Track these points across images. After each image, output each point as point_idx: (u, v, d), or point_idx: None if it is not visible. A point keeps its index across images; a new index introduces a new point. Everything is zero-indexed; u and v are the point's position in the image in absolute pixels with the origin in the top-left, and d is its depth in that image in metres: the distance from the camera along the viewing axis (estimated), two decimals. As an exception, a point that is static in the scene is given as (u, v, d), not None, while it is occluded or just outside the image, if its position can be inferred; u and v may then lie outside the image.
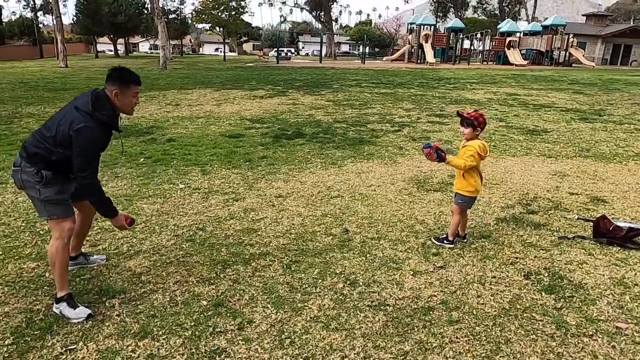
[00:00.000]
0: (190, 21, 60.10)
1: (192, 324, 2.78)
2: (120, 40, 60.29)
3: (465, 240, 3.97)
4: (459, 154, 3.86)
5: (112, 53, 58.07)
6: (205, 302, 3.00)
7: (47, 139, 2.75)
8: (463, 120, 3.69)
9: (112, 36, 54.34)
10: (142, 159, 6.55)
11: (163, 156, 6.63)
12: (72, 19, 53.75)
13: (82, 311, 2.83)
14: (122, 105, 2.88)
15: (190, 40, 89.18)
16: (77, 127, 2.68)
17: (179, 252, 3.71)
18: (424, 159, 4.38)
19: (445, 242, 3.90)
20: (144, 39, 79.66)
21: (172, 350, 2.54)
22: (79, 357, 2.48)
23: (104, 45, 70.69)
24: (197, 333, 2.69)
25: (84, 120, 2.70)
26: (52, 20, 39.26)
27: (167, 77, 20.99)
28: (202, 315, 2.87)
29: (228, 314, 2.88)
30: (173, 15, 59.90)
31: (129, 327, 2.73)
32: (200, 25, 69.32)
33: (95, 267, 3.44)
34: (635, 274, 3.44)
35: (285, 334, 2.70)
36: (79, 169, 2.72)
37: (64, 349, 2.54)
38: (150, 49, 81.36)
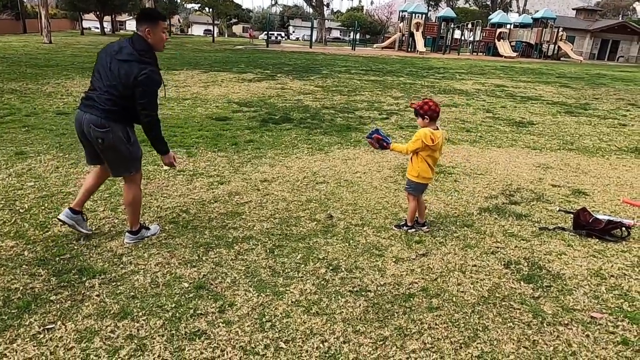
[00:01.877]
0: (179, 0, 59.04)
1: (173, 305, 2.77)
2: (107, 18, 59.04)
3: (425, 228, 3.97)
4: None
5: (99, 30, 56.85)
6: (186, 284, 2.99)
7: (117, 96, 3.09)
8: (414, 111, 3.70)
9: (98, 13, 53.15)
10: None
11: (148, 137, 6.53)
12: (57, -6, 52.41)
13: (155, 228, 3.68)
14: (154, 42, 3.20)
15: (178, 20, 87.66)
16: (142, 74, 3.05)
17: (162, 234, 3.68)
18: (364, 138, 4.22)
19: (404, 227, 3.95)
20: (131, 17, 78.16)
21: (152, 332, 2.53)
22: (57, 336, 2.46)
23: (90, 22, 69.16)
24: (177, 315, 2.69)
25: (144, 67, 3.07)
26: (36, -6, 38.25)
27: (154, 57, 20.62)
28: (183, 297, 2.86)
29: (209, 297, 2.88)
30: (161, -6, 58.76)
31: (108, 308, 2.72)
32: (189, 5, 68.25)
33: (75, 247, 3.40)
34: (612, 266, 3.51)
35: (266, 317, 2.71)
36: (145, 108, 3.14)
37: (42, 328, 2.51)
38: (138, 27, 79.74)
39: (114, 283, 2.97)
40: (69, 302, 2.75)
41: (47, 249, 3.36)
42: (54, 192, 4.45)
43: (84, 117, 3.16)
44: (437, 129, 3.68)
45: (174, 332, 2.54)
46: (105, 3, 49.65)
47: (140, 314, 2.68)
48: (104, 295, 2.83)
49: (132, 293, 2.87)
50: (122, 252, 3.37)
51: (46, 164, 5.26)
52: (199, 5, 50.85)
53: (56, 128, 6.96)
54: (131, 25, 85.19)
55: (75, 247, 3.40)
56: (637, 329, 2.75)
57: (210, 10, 47.58)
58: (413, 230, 3.94)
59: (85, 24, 58.86)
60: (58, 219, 3.47)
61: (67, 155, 5.62)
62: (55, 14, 59.74)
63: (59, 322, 2.57)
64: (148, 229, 3.65)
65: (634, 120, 10.20)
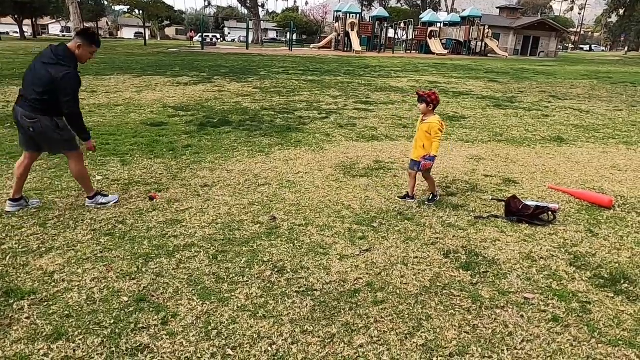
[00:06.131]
0: (106, 2, 56.50)
1: (112, 321, 2.65)
2: (27, 22, 55.51)
3: (413, 201, 4.65)
4: (417, 128, 4.55)
5: (18, 35, 53.25)
6: (126, 298, 2.87)
7: (40, 93, 3.71)
8: (419, 97, 4.41)
9: (16, 16, 49.84)
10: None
11: (78, 146, 6.20)
12: (-31, -3, 48.48)
13: (112, 197, 4.36)
14: (80, 55, 3.87)
15: (107, 23, 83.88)
16: (61, 75, 3.68)
17: (97, 247, 3.50)
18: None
19: (435, 198, 4.66)
20: (54, 20, 73.94)
21: (90, 351, 2.40)
22: (-18, 365, 2.28)
23: (8, 26, 64.77)
24: (117, 331, 2.57)
25: (61, 70, 3.70)
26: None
27: (81, 62, 19.63)
28: (122, 311, 2.74)
29: (151, 309, 2.77)
30: (87, -4, 56.14)
31: (40, 330, 2.55)
32: (117, 7, 65.50)
33: (0, 267, 3.16)
34: (541, 249, 3.73)
35: (212, 325, 2.65)
36: (67, 103, 3.76)
37: (-35, 358, 2.32)
38: (62, 31, 75.77)
39: (46, 303, 2.80)
40: (-5, 327, 2.56)
41: (-33, 272, 3.11)
42: (-27, 210, 4.12)
43: (19, 110, 3.83)
44: (435, 115, 4.45)
45: (114, 349, 2.43)
46: (23, 6, 46.66)
47: (76, 333, 2.54)
48: (35, 317, 2.66)
49: (66, 312, 2.71)
50: (54, 269, 3.18)
51: (-37, 180, 4.85)
52: (128, 7, 48.85)
53: (-27, 141, 6.44)
54: (54, 28, 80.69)
55: (0, 268, 3.16)
56: (565, 305, 2.94)
57: (141, 12, 45.84)
58: (437, 198, 4.67)
59: (2, 29, 55.08)
60: (5, 211, 4.04)
61: (-13, 170, 5.21)
62: (-33, 18, 55.39)
63: (-16, 350, 2.38)
64: (106, 195, 4.34)
65: (556, 111, 10.91)
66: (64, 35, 67.54)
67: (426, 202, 4.62)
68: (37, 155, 4.24)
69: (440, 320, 2.77)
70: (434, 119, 4.39)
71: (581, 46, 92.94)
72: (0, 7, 45.67)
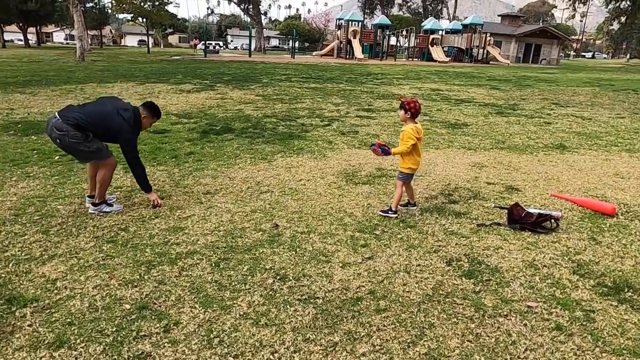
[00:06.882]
0: (110, 10, 56.91)
1: (114, 329, 2.64)
2: (32, 29, 55.94)
3: (415, 208, 4.64)
4: (400, 137, 4.45)
5: (23, 43, 53.64)
6: (128, 306, 2.87)
7: (88, 122, 4.05)
8: (400, 104, 4.37)
9: (21, 24, 50.24)
10: (57, 157, 6.12)
11: (81, 153, 6.22)
12: (-26, 5, 48.89)
13: (117, 208, 4.39)
14: (142, 122, 4.35)
15: (110, 31, 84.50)
16: (127, 132, 4.19)
17: (99, 255, 3.51)
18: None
19: (389, 212, 4.46)
20: (58, 28, 74.46)
21: (92, 359, 2.40)
22: (-16, 373, 2.28)
23: (13, 34, 65.22)
24: (119, 338, 2.56)
25: (129, 129, 4.20)
26: (-50, 6, 35.62)
27: (84, 70, 19.76)
28: (124, 319, 2.74)
29: (153, 317, 2.77)
30: (91, 4, 56.50)
31: (42, 338, 2.55)
32: (121, 16, 65.96)
33: (2, 275, 3.17)
34: (544, 257, 3.72)
35: (214, 333, 2.65)
36: (131, 154, 4.26)
37: (-33, 366, 2.32)
38: (66, 39, 76.23)
39: (48, 310, 2.80)
40: (-3, 335, 2.56)
41: (-30, 279, 3.11)
42: (-24, 218, 4.13)
43: (52, 120, 4.06)
44: (416, 123, 4.35)
45: (116, 357, 2.42)
46: (28, 14, 47.06)
47: (79, 341, 2.53)
48: (37, 325, 2.66)
49: (68, 320, 2.71)
50: (56, 276, 3.18)
51: (-33, 188, 4.88)
52: (132, 15, 49.18)
53: (-23, 148, 6.48)
54: (58, 36, 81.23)
55: (3, 275, 3.17)
56: (569, 314, 2.93)
57: (144, 20, 46.14)
58: (395, 215, 4.45)
59: (7, 36, 55.48)
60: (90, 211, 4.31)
61: (-10, 177, 5.24)
62: (-27, 26, 55.78)
63: (-14, 358, 2.38)
64: (111, 205, 4.40)
65: (558, 119, 10.91)
66: (67, 43, 67.94)
67: (380, 212, 4.53)
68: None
69: (443, 328, 2.76)
70: (408, 126, 4.32)
71: (583, 53, 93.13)
72: (6, 15, 46.06)
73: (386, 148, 4.43)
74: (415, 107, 4.28)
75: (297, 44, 54.73)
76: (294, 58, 39.23)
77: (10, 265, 3.30)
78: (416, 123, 4.35)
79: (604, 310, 2.98)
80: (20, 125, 8.12)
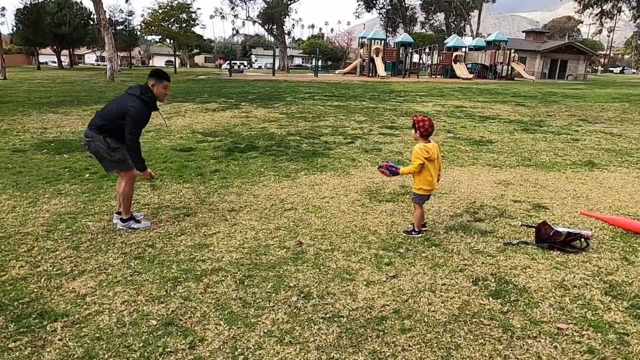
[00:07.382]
0: (139, 33, 58.75)
1: (141, 345, 2.68)
2: (65, 52, 58.10)
3: (425, 228, 4.50)
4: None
5: (56, 65, 55.72)
6: (154, 322, 2.91)
7: (111, 115, 4.21)
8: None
9: (55, 47, 52.26)
10: (88, 175, 6.31)
11: (110, 171, 6.40)
12: (12, 29, 51.24)
13: (144, 224, 4.46)
14: (157, 93, 4.31)
15: (139, 52, 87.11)
16: (131, 105, 4.12)
17: (127, 271, 3.58)
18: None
19: (413, 233, 4.40)
20: (90, 50, 77.10)
21: (119, 374, 2.44)
22: (16, 386, 2.33)
23: (47, 56, 67.84)
24: (145, 354, 2.60)
25: (134, 101, 4.15)
26: (-10, 30, 37.36)
27: (114, 90, 20.36)
28: (151, 335, 2.77)
29: (179, 333, 2.80)
30: (121, 27, 58.42)
31: (72, 352, 2.60)
32: (149, 37, 67.96)
33: (35, 289, 3.26)
34: (574, 277, 3.62)
35: (239, 350, 2.66)
36: (129, 131, 4.11)
37: (0, 378, 2.38)
38: (97, 60, 78.90)
39: (78, 325, 2.86)
40: (29, 348, 2.62)
41: (4, 293, 3.21)
42: (10, 233, 4.28)
43: (85, 130, 4.28)
44: (429, 142, 4.24)
45: (142, 372, 2.45)
46: (62, 37, 48.95)
47: (107, 356, 2.58)
48: (67, 339, 2.72)
49: (97, 334, 2.77)
50: (86, 292, 3.25)
51: (2, 204, 5.06)
52: (160, 37, 50.63)
53: (12, 166, 6.73)
54: (90, 58, 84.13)
55: (35, 290, 3.26)
56: (602, 337, 2.83)
57: (171, 41, 47.44)
58: (420, 235, 4.37)
59: (42, 59, 57.72)
60: (118, 227, 4.41)
61: (24, 194, 5.43)
62: (10, 50, 58.37)
63: (18, 371, 2.44)
64: (139, 222, 4.46)
65: (586, 135, 10.70)
66: (98, 65, 70.28)
67: (403, 232, 4.44)
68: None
69: (469, 349, 2.70)
70: (418, 146, 4.22)
71: (611, 68, 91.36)
72: (41, 38, 48.06)
73: (394, 169, 4.39)
74: (424, 126, 4.15)
75: (320, 63, 55.33)
76: (317, 76, 39.64)
77: (42, 280, 3.40)
78: (428, 142, 4.24)
79: (638, 333, 2.88)
80: (53, 144, 8.41)
